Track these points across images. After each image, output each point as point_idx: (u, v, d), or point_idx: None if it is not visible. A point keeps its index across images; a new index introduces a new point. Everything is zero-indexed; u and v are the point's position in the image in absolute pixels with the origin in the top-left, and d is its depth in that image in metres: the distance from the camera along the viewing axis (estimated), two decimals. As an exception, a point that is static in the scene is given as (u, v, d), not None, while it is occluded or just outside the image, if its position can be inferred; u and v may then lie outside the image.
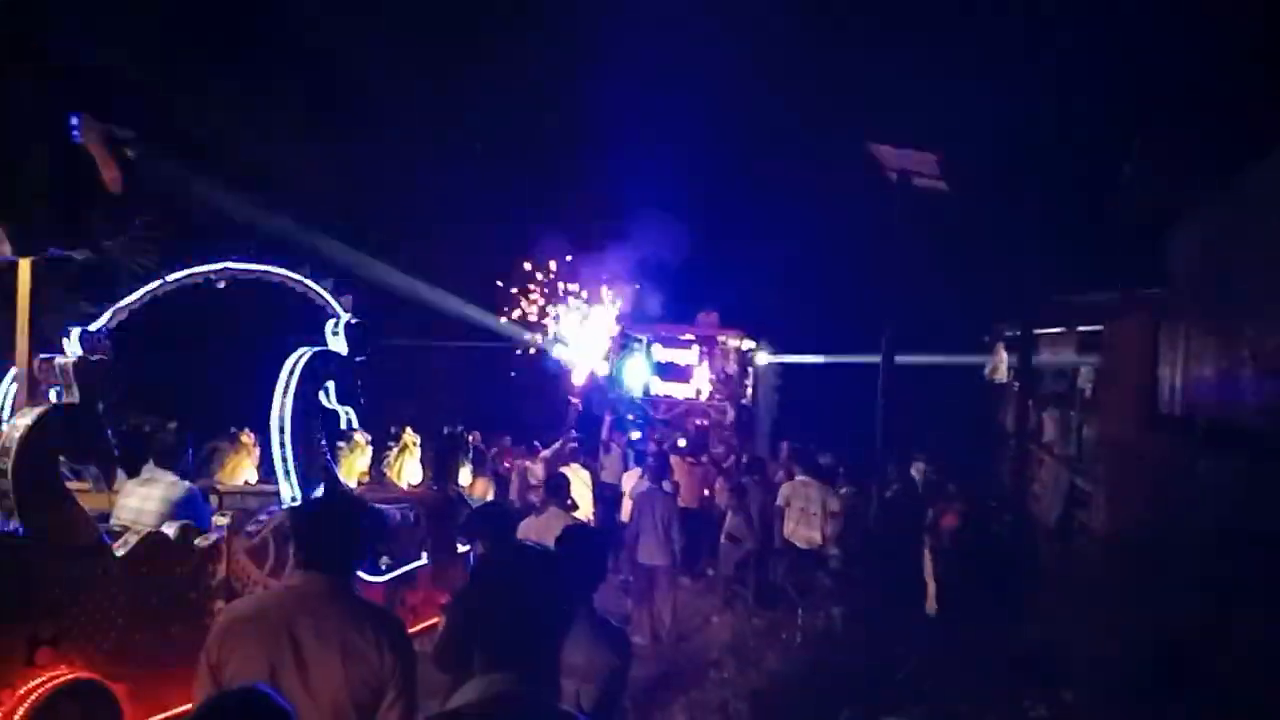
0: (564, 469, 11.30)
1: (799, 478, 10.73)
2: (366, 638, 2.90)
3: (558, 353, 16.72)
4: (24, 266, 4.35)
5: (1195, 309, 7.92)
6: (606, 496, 12.20)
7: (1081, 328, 12.98)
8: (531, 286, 17.68)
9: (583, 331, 17.11)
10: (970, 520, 10.45)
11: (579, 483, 10.90)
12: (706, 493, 13.05)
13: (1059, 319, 13.31)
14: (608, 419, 15.33)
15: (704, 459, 13.84)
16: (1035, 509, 12.41)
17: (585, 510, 10.83)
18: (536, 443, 13.99)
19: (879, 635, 9.23)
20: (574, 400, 15.17)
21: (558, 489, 7.34)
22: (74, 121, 4.21)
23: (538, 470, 12.46)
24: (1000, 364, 15.89)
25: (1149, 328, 9.35)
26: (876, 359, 9.47)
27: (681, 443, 13.96)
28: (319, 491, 5.39)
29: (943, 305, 16.24)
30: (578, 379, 16.33)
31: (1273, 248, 5.80)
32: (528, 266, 17.61)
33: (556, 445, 12.90)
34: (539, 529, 6.71)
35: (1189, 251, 8.55)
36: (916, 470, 13.03)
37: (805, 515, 10.30)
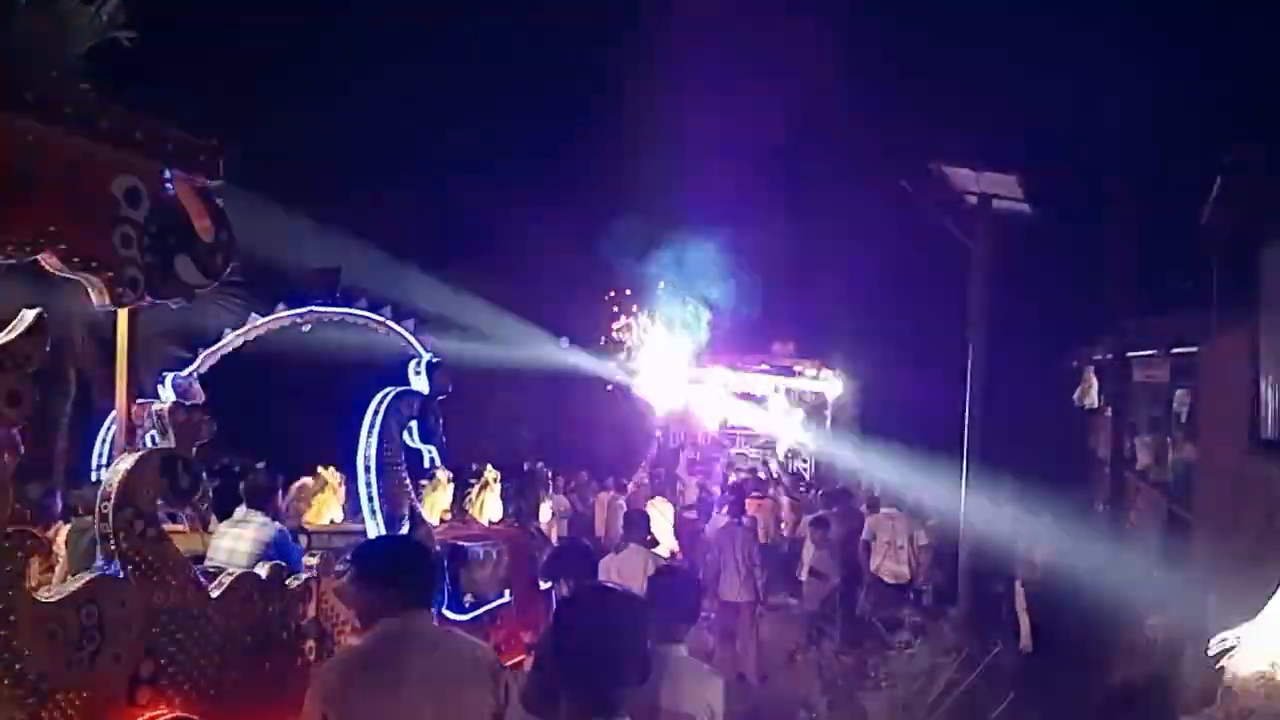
0: (648, 503, 11.29)
1: (884, 510, 10.54)
2: (480, 672, 2.92)
3: (638, 386, 16.74)
4: (122, 316, 4.49)
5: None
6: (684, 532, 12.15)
7: (1176, 350, 12.56)
8: (614, 320, 17.74)
9: (661, 365, 17.11)
10: (1058, 553, 10.12)
11: (660, 518, 10.86)
12: (779, 525, 12.92)
13: (1151, 341, 12.90)
14: (683, 455, 15.28)
15: (770, 492, 13.72)
16: (1133, 539, 11.98)
17: (666, 545, 10.77)
18: (624, 479, 13.98)
19: (970, 670, 8.96)
20: (657, 434, 15.18)
21: (636, 525, 7.31)
22: (166, 174, 4.35)
23: (625, 503, 12.47)
24: (1091, 388, 15.45)
25: (1247, 348, 8.99)
26: (962, 385, 9.28)
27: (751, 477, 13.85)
28: (405, 529, 5.44)
29: (1030, 329, 15.86)
30: (658, 412, 16.33)
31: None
32: (610, 298, 17.68)
33: (638, 479, 12.91)
34: (619, 567, 6.69)
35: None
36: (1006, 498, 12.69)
37: (892, 549, 10.09)
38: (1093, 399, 15.24)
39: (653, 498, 11.87)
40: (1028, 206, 8.47)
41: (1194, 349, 11.36)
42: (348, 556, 5.41)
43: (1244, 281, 9.69)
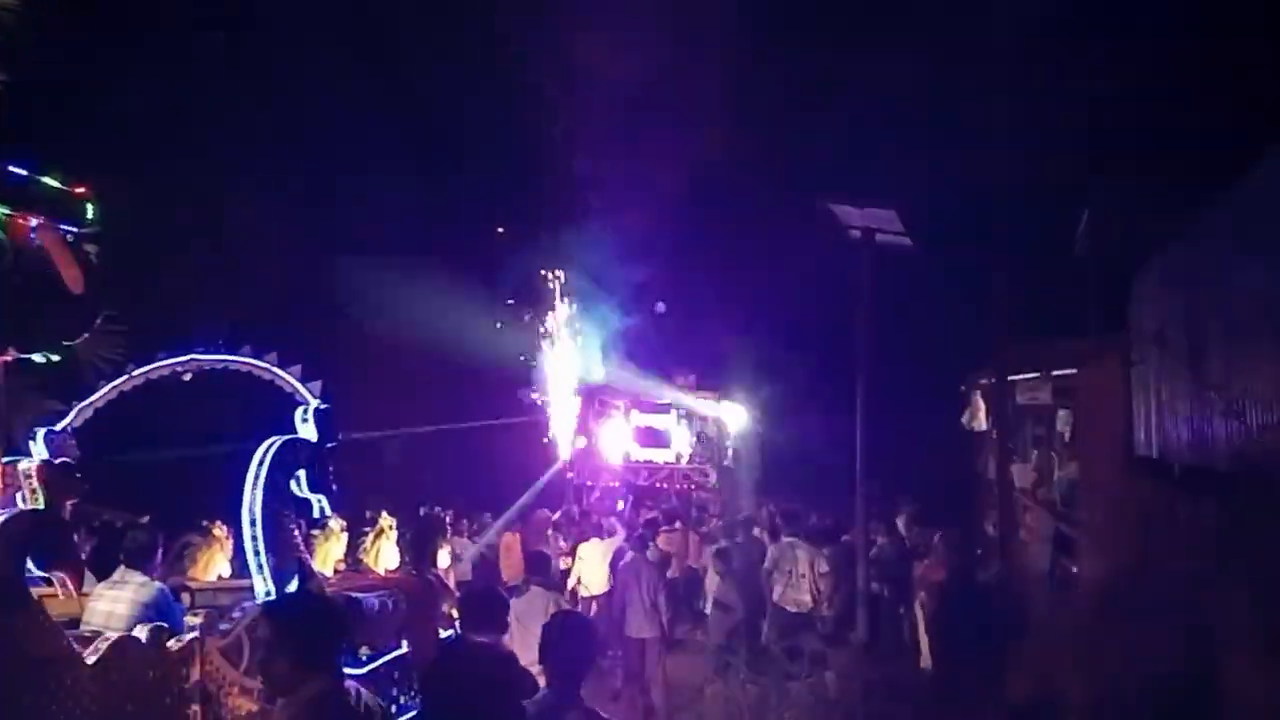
0: (583, 544, 11.23)
1: (785, 539, 10.65)
2: None
3: (541, 421, 16.67)
4: (-15, 371, 4.31)
5: (1160, 354, 7.99)
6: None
7: (1056, 372, 13.06)
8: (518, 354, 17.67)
9: (563, 399, 17.08)
10: (956, 572, 10.37)
11: (598, 556, 10.81)
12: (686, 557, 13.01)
13: (1033, 364, 13.39)
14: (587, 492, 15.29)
15: (676, 525, 13.79)
16: (1024, 557, 12.37)
17: (598, 585, 10.70)
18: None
19: (874, 696, 9.11)
20: (569, 474, 15.15)
21: (538, 566, 7.24)
22: (32, 224, 4.19)
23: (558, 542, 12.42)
24: (978, 412, 15.93)
25: (1120, 372, 9.43)
26: (853, 414, 9.47)
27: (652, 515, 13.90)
28: (293, 584, 5.28)
29: (916, 357, 16.32)
30: (563, 448, 16.28)
31: (1233, 293, 5.87)
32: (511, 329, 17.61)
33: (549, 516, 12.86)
34: (521, 610, 6.61)
35: (1150, 296, 8.66)
36: (901, 521, 12.99)
37: (794, 577, 10.20)
38: (980, 422, 15.72)
39: (585, 538, 11.82)
40: (908, 240, 8.75)
41: (1073, 371, 11.84)
42: (234, 614, 5.24)
43: (1115, 307, 10.19)
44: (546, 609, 7.10)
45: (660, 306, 18.17)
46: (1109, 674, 7.41)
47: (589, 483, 16.69)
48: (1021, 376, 13.41)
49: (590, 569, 11.13)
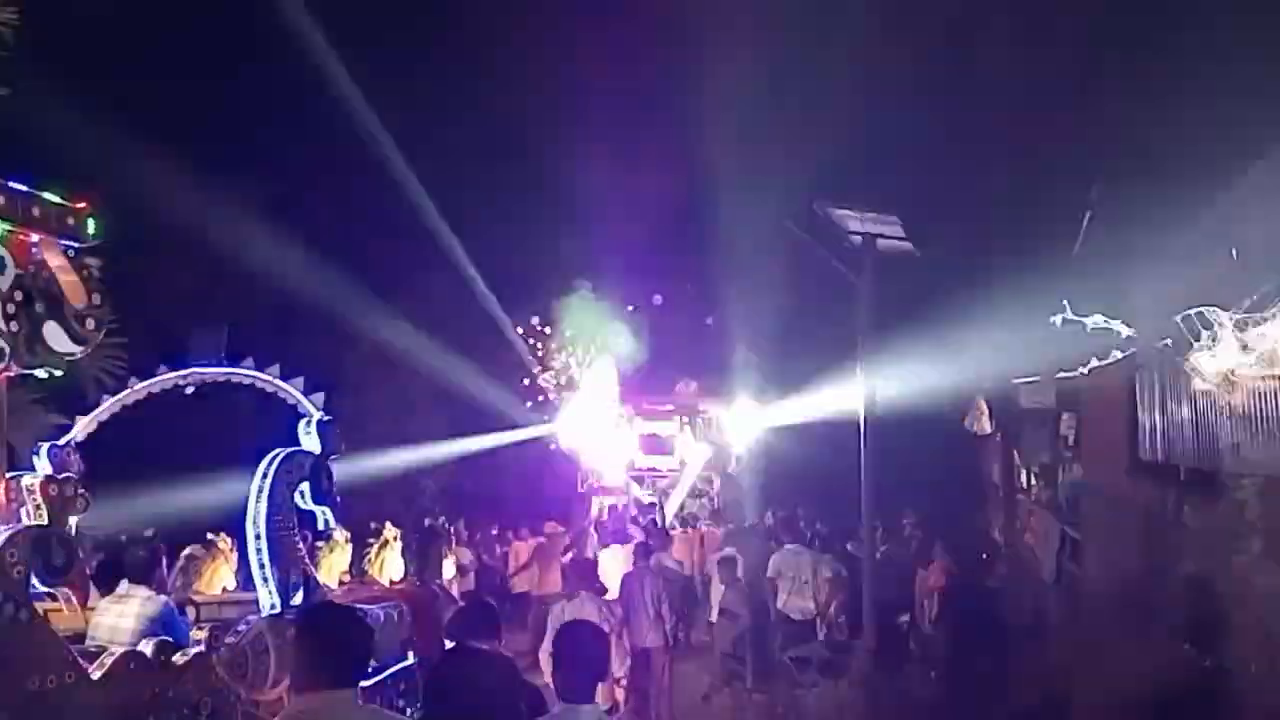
0: (603, 550, 11.21)
1: (788, 547, 10.62)
2: None
3: (551, 434, 16.66)
4: (-12, 387, 4.31)
5: (1163, 355, 7.97)
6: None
7: (1060, 375, 13.04)
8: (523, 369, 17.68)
9: (572, 409, 17.07)
10: (956, 578, 10.36)
11: (618, 562, 10.80)
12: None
13: (1037, 368, 13.36)
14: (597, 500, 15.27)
15: (686, 530, 13.80)
16: (1029, 560, 12.34)
17: (617, 592, 10.69)
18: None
19: (880, 703, 9.08)
20: (582, 484, 15.13)
21: (584, 575, 7.31)
22: (34, 239, 4.20)
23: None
24: (982, 415, 15.89)
25: (1125, 375, 9.41)
26: (858, 420, 9.47)
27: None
28: (298, 597, 5.28)
29: (922, 361, 16.27)
30: (575, 459, 16.27)
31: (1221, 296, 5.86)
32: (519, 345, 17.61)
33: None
34: (573, 615, 6.71)
35: (1150, 298, 8.64)
36: (906, 526, 12.96)
37: (798, 584, 10.17)
38: (984, 425, 15.68)
39: (606, 545, 11.81)
40: (910, 245, 8.76)
41: (1077, 374, 11.82)
42: (239, 628, 5.24)
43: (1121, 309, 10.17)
44: (598, 616, 7.13)
45: (657, 299, 18.16)
46: (1114, 677, 7.38)
47: (599, 489, 16.64)
48: (1026, 380, 13.40)
49: (612, 577, 11.12)
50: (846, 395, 10.90)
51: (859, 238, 8.60)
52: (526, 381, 17.80)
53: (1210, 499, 6.23)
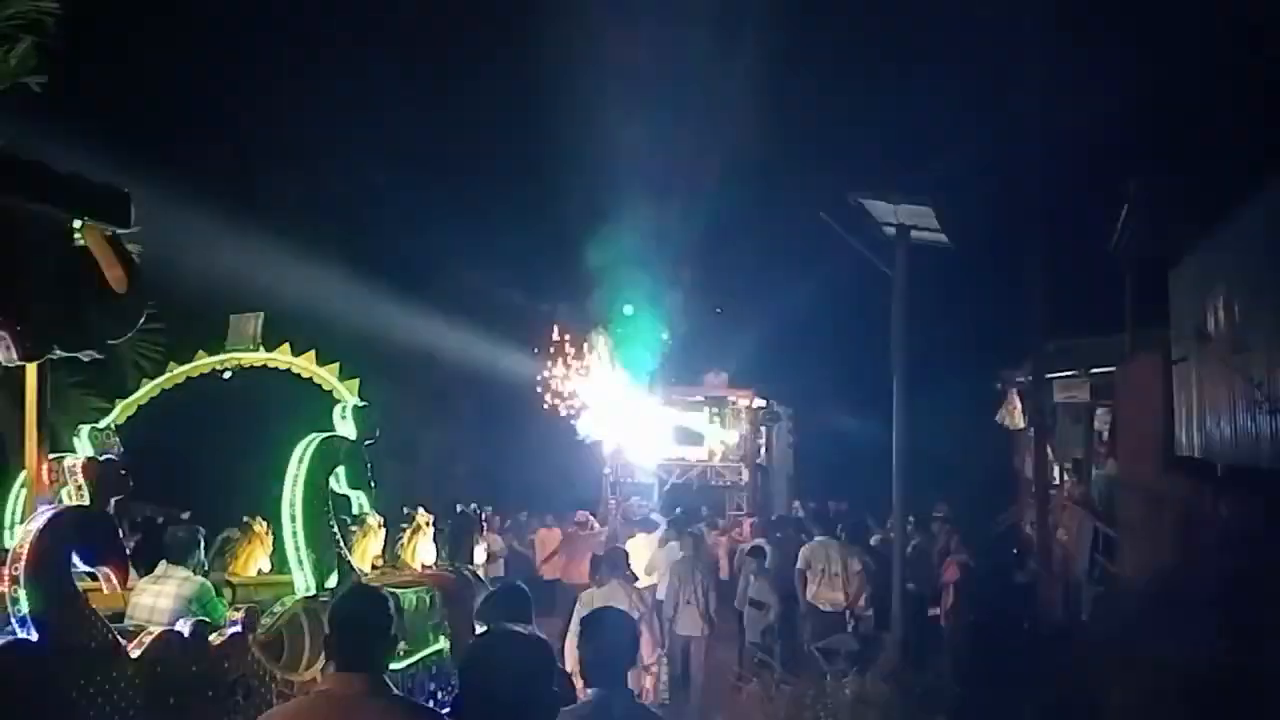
0: (630, 539, 11.27)
1: (818, 538, 10.60)
2: None
3: (580, 421, 16.65)
4: (31, 370, 4.37)
5: (1201, 350, 7.88)
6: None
7: (1094, 370, 12.92)
8: (557, 353, 17.68)
9: (601, 398, 17.06)
10: (972, 572, 10.31)
11: (642, 551, 10.85)
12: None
13: (1071, 362, 13.25)
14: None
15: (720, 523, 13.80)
16: (1061, 556, 12.24)
17: (644, 580, 10.75)
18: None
19: (911, 697, 9.03)
20: (606, 471, 15.15)
21: (616, 563, 7.33)
22: (76, 224, 4.26)
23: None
24: (1014, 410, 15.77)
25: (1161, 369, 9.31)
26: (889, 412, 9.42)
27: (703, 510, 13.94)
28: (332, 580, 5.34)
29: (954, 354, 16.18)
30: (603, 447, 16.27)
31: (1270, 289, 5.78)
32: (555, 334, 17.60)
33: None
34: (602, 601, 6.75)
35: (1190, 293, 8.54)
36: (936, 520, 12.89)
37: (827, 576, 10.14)
38: (1016, 420, 15.55)
39: (632, 534, 11.85)
40: (945, 237, 8.68)
41: (1111, 369, 11.70)
42: (275, 609, 5.31)
43: (1154, 304, 10.06)
44: (629, 604, 7.17)
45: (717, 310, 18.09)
46: (1149, 674, 7.31)
47: (626, 479, 16.66)
48: (1059, 374, 13.28)
49: (637, 564, 11.17)
50: (879, 388, 10.85)
51: (892, 229, 8.54)
52: (556, 370, 17.80)
53: (1249, 495, 6.15)
